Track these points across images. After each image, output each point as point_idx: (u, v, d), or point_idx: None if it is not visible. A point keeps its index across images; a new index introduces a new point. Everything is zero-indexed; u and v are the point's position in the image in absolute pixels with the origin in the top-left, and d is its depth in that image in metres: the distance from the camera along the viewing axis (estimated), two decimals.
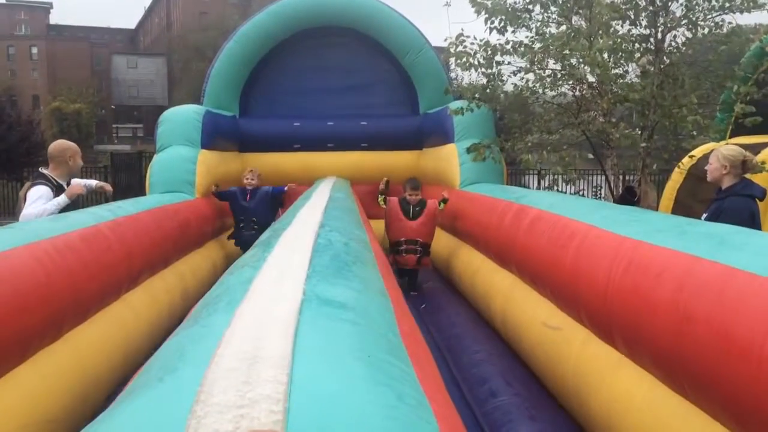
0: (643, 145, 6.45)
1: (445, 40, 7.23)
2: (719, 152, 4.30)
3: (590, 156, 7.91)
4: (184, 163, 7.33)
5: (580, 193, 17.11)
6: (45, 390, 3.14)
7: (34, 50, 64.01)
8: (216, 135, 8.06)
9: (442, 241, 7.10)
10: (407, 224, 6.52)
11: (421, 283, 6.82)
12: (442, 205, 6.68)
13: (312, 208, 3.66)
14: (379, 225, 6.92)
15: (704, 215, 4.20)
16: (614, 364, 2.84)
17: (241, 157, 9.09)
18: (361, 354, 0.99)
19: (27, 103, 55.04)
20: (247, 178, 7.57)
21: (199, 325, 1.21)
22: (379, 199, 6.96)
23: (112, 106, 65.94)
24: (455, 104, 7.74)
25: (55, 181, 4.97)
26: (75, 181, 5.19)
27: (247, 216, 7.38)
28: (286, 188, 7.63)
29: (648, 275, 2.47)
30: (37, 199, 4.70)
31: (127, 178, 21.57)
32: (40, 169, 5.14)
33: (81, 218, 4.26)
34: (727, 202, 4.08)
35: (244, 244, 6.79)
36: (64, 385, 3.34)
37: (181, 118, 7.82)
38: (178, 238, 5.90)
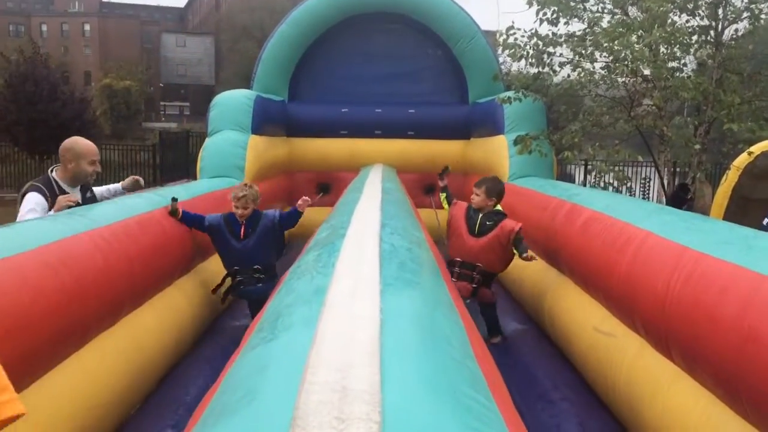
0: (697, 147, 6.27)
1: (496, 32, 7.15)
2: None
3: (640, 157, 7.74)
4: (234, 147, 7.42)
5: (628, 184, 16.72)
6: (105, 372, 3.24)
7: (87, 27, 65.29)
8: (266, 120, 8.14)
9: None
10: (467, 242, 4.67)
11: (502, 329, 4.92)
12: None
13: (368, 202, 3.69)
14: (425, 215, 6.45)
15: (766, 219, 4.07)
16: (670, 377, 2.79)
17: (288, 141, 9.17)
18: (446, 388, 1.01)
19: (79, 79, 56.30)
20: (237, 207, 4.76)
21: (277, 340, 1.23)
22: (442, 198, 5.26)
23: (161, 84, 67.00)
24: (504, 94, 7.66)
25: (57, 185, 4.07)
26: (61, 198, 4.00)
27: (244, 263, 4.80)
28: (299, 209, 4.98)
29: (711, 290, 2.41)
30: (28, 213, 3.84)
31: (174, 155, 22.12)
32: (50, 168, 4.23)
33: (137, 203, 4.35)
34: None
35: (249, 298, 4.93)
36: (122, 367, 3.45)
37: (232, 103, 7.91)
38: None
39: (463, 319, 1.71)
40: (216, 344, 4.71)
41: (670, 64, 6.58)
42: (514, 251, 4.63)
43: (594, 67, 6.88)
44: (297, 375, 0.98)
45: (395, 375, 0.98)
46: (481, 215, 4.71)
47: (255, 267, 4.79)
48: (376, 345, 1.08)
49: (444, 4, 8.96)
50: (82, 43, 64.83)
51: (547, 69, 7.01)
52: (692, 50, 6.78)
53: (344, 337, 1.12)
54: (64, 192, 4.06)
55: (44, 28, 64.55)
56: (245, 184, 4.97)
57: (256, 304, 4.76)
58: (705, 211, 6.57)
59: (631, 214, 3.61)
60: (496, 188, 4.83)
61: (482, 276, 4.68)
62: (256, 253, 4.81)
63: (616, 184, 7.54)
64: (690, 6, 6.60)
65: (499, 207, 4.94)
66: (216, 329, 5.12)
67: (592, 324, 3.70)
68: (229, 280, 4.97)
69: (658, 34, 6.10)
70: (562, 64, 7.13)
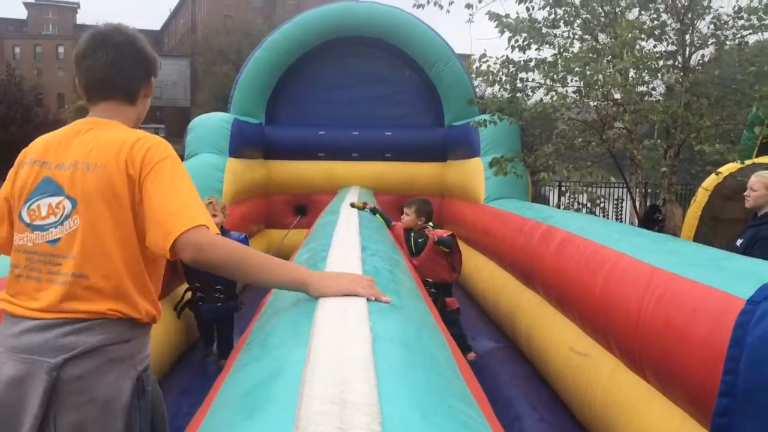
0: (664, 169, 6.42)
1: (470, 58, 7.29)
2: (765, 179, 4.19)
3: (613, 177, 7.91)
4: (212, 170, 7.44)
5: (600, 204, 16.93)
6: None
7: (61, 49, 64.85)
8: (243, 143, 8.18)
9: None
10: (410, 262, 4.58)
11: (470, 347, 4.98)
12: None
13: (346, 225, 3.73)
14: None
15: (739, 240, 4.14)
16: (645, 396, 2.84)
17: (266, 164, 9.20)
18: (441, 403, 1.05)
19: (52, 101, 55.78)
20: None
21: (269, 357, 1.27)
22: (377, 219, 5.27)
23: None
24: (479, 117, 7.79)
25: None
26: None
27: (206, 281, 4.75)
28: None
29: (682, 310, 2.48)
30: None
31: None
32: None
33: None
34: (765, 230, 4.03)
35: (205, 318, 4.90)
36: None
37: (209, 126, 7.95)
38: None
39: (447, 339, 1.76)
40: (187, 376, 4.56)
41: (640, 89, 6.75)
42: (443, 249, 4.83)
43: (566, 91, 7.03)
44: (294, 390, 1.02)
45: (391, 390, 1.02)
46: (413, 234, 5.03)
47: (217, 287, 4.75)
48: (370, 362, 1.12)
49: (419, 28, 9.12)
50: (56, 66, 64.35)
51: (521, 86, 7.15)
52: (660, 75, 6.97)
53: (338, 355, 1.16)
54: None
55: (17, 50, 64.01)
56: (212, 200, 4.88)
57: (210, 324, 4.86)
58: (676, 232, 6.70)
59: (604, 236, 3.70)
60: (425, 208, 5.10)
61: (436, 288, 4.83)
62: None
63: (589, 204, 7.66)
64: (657, 32, 6.79)
65: (430, 224, 5.10)
66: (185, 360, 4.94)
67: (568, 344, 3.76)
68: (189, 294, 4.93)
69: (626, 59, 6.26)
70: (534, 89, 7.27)
